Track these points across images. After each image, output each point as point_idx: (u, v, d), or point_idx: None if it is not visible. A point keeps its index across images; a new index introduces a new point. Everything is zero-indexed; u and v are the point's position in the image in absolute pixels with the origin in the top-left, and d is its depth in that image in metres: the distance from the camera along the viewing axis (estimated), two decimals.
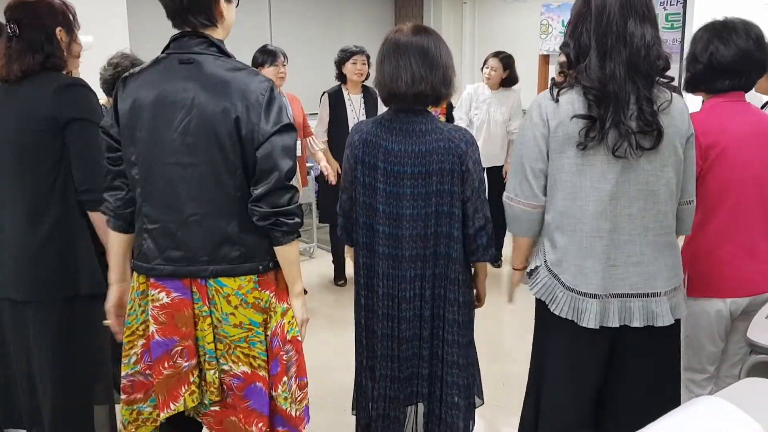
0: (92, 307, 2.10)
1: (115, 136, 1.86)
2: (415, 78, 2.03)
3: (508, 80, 4.92)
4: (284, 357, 1.88)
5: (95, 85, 3.33)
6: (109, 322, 2.00)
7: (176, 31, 1.83)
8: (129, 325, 1.91)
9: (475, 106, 4.98)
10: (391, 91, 2.08)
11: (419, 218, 2.09)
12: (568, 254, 1.83)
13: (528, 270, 1.98)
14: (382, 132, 2.10)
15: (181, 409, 1.85)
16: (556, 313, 1.85)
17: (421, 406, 2.29)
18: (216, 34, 1.83)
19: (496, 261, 5.34)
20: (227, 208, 1.78)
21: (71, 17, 2.13)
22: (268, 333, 1.86)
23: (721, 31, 2.08)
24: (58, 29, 2.06)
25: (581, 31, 1.78)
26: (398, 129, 2.09)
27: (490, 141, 4.94)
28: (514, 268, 2.10)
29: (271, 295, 1.85)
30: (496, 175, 4.92)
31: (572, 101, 1.77)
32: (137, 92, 1.80)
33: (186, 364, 1.83)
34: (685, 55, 2.23)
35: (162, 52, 1.85)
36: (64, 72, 2.11)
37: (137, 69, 1.88)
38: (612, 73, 1.72)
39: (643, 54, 1.73)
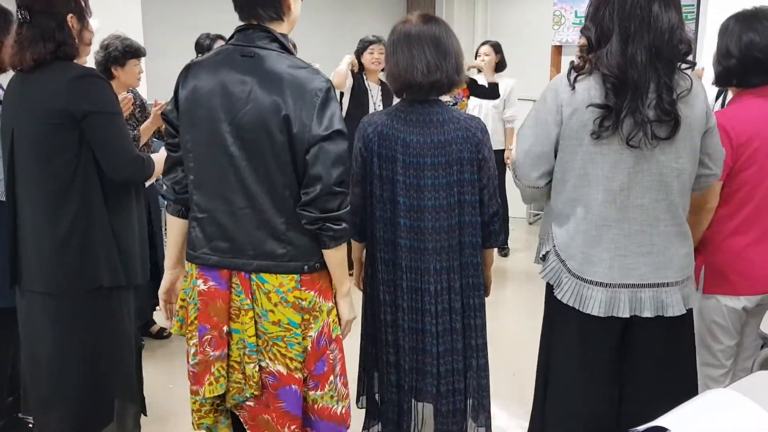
0: (113, 299, 2.13)
1: (175, 122, 1.88)
2: (431, 67, 2.03)
3: (500, 64, 5.18)
4: (330, 356, 1.88)
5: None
6: (162, 310, 2.03)
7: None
8: (189, 315, 1.92)
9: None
10: (406, 82, 2.07)
11: (442, 209, 2.09)
12: (575, 241, 1.83)
13: (540, 255, 1.99)
14: (399, 124, 2.09)
15: (200, 397, 1.86)
16: (559, 297, 1.86)
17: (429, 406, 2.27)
18: (281, 28, 1.83)
19: (503, 249, 5.50)
20: (276, 204, 1.78)
21: (83, 4, 2.10)
22: (312, 333, 1.84)
23: (753, 21, 2.01)
24: (69, 16, 2.04)
25: (603, 14, 1.74)
26: (415, 120, 2.08)
27: (487, 126, 5.00)
28: (540, 259, 2.08)
29: (315, 294, 1.84)
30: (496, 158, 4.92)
31: (589, 88, 1.74)
32: (197, 80, 1.81)
33: (213, 353, 1.84)
34: (702, 47, 2.19)
35: (226, 42, 1.86)
36: (77, 60, 2.10)
37: (201, 57, 1.90)
38: (633, 58, 1.69)
39: (666, 38, 1.69)
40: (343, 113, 4.52)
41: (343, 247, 1.86)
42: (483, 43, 5.32)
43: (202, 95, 1.79)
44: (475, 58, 5.20)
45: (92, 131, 2.01)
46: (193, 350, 1.91)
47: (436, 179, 2.08)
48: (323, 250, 1.83)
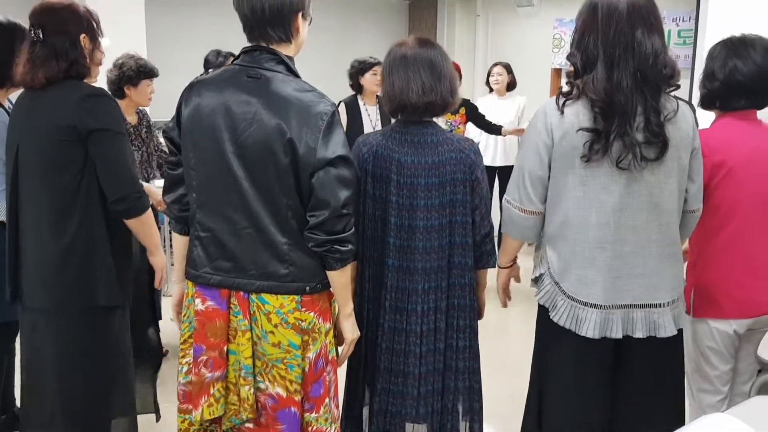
0: (110, 317, 2.13)
1: (176, 140, 1.88)
2: (426, 88, 2.06)
3: (512, 84, 5.55)
4: (327, 378, 1.88)
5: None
6: (175, 320, 2.04)
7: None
8: (182, 333, 1.92)
9: (483, 112, 5.44)
10: (401, 103, 2.10)
11: (433, 229, 2.10)
12: (570, 263, 1.84)
13: (534, 277, 2.00)
14: (394, 144, 2.11)
15: (199, 419, 1.85)
16: (555, 320, 1.87)
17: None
18: (288, 50, 1.83)
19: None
20: (279, 225, 1.78)
21: (95, 24, 2.13)
22: (310, 355, 1.84)
23: (739, 47, 2.07)
24: (82, 35, 2.06)
25: (588, 41, 1.78)
26: (410, 141, 2.11)
27: (502, 141, 5.42)
28: (500, 266, 2.14)
29: (315, 316, 1.84)
30: (508, 173, 4.99)
31: (578, 113, 1.77)
32: (201, 98, 1.81)
33: (209, 374, 1.83)
34: (699, 71, 2.23)
35: (232, 62, 1.86)
36: (87, 80, 2.11)
37: (205, 76, 1.90)
38: (619, 83, 1.73)
39: (651, 62, 1.73)
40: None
41: (348, 268, 1.86)
42: (495, 64, 5.61)
43: (206, 114, 1.79)
44: (488, 78, 5.58)
45: (96, 147, 2.02)
46: (185, 369, 1.90)
47: (429, 200, 2.09)
48: (328, 272, 1.83)
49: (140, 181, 2.15)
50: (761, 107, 2.14)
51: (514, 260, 2.16)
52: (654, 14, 1.77)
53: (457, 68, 4.50)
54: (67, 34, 2.04)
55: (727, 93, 2.08)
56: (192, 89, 1.86)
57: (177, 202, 1.94)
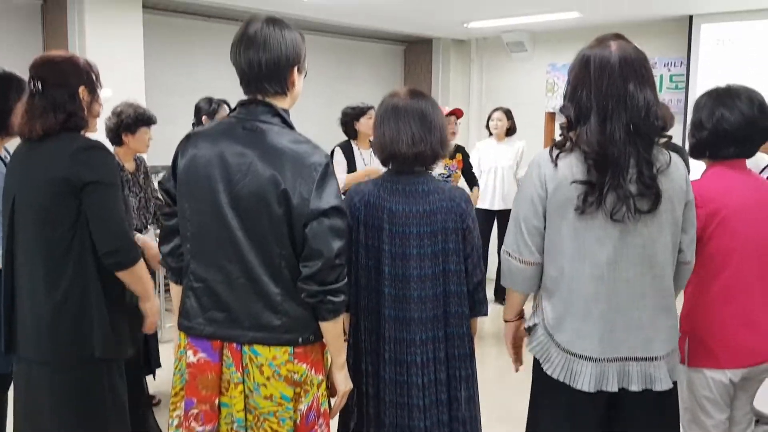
0: (106, 370, 2.11)
1: (172, 191, 1.90)
2: (415, 139, 2.09)
3: (511, 129, 5.71)
4: (318, 431, 1.86)
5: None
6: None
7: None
8: (174, 385, 1.90)
9: (483, 156, 5.69)
10: (391, 152, 2.13)
11: (427, 278, 2.10)
12: (564, 316, 1.84)
13: (526, 327, 1.99)
14: (385, 193, 2.13)
15: None
16: (549, 373, 1.85)
17: None
18: (283, 103, 1.86)
19: (503, 300, 5.53)
20: (273, 275, 1.78)
21: (94, 77, 2.15)
22: (302, 407, 1.82)
23: (724, 97, 2.11)
24: (81, 88, 2.08)
25: (581, 94, 1.79)
26: (401, 190, 2.13)
27: (501, 185, 5.56)
28: (505, 320, 2.11)
29: (308, 367, 1.82)
30: (507, 217, 5.01)
31: (571, 165, 1.78)
32: (197, 150, 1.83)
33: (200, 428, 1.81)
34: (689, 120, 2.26)
35: (228, 115, 1.90)
36: (84, 132, 2.13)
37: (201, 128, 1.93)
38: (612, 135, 1.74)
39: (643, 115, 1.75)
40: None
41: (341, 319, 1.85)
42: (496, 109, 5.77)
43: (201, 165, 1.81)
44: (488, 123, 5.74)
45: (89, 199, 2.02)
46: (176, 422, 1.88)
47: (422, 248, 2.10)
48: (321, 323, 1.82)
49: (134, 233, 2.15)
50: (749, 155, 2.17)
51: (521, 314, 2.10)
52: (645, 67, 1.79)
53: (460, 113, 4.59)
54: (66, 86, 2.05)
55: (716, 142, 2.11)
56: (188, 141, 1.88)
57: (172, 254, 1.95)
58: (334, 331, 1.85)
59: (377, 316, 2.14)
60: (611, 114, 1.75)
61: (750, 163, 2.18)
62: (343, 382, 1.92)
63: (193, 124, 4.25)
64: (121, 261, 2.05)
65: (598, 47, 1.81)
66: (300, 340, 1.80)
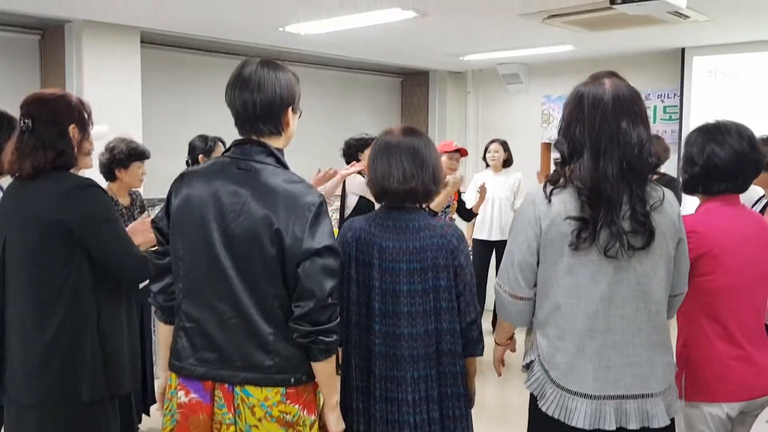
0: (94, 412, 2.08)
1: (165, 230, 1.91)
2: (407, 175, 2.09)
3: (508, 161, 5.76)
4: None
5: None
6: (158, 410, 2.00)
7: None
8: (164, 426, 1.88)
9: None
10: (383, 188, 2.14)
11: (417, 315, 2.08)
12: (559, 352, 1.83)
13: (525, 363, 1.98)
14: (376, 229, 2.13)
15: None
16: (544, 409, 1.84)
17: None
18: (277, 143, 1.88)
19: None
20: (265, 315, 1.77)
21: (86, 115, 2.15)
22: None
23: (714, 133, 2.12)
24: (71, 126, 2.08)
25: (575, 130, 1.81)
26: (392, 226, 2.12)
27: (499, 216, 5.61)
28: (496, 342, 2.15)
29: (300, 408, 1.81)
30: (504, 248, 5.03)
31: (565, 201, 1.79)
32: (191, 189, 1.84)
33: None
34: (681, 154, 2.28)
35: (223, 154, 1.92)
36: (78, 169, 2.14)
37: (195, 167, 1.95)
38: (605, 172, 1.75)
39: (636, 152, 1.76)
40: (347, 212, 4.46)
41: (333, 359, 1.84)
42: (493, 141, 5.81)
43: (195, 204, 1.82)
44: (485, 154, 5.80)
45: (92, 241, 2.03)
46: None
47: (412, 285, 2.08)
48: (313, 363, 1.81)
49: (141, 252, 2.18)
50: (742, 191, 2.18)
51: (511, 337, 2.16)
52: (638, 105, 1.81)
53: (465, 152, 4.64)
54: (56, 124, 2.06)
55: (708, 177, 2.12)
56: (182, 180, 1.89)
57: (163, 292, 1.95)
58: (327, 371, 1.84)
59: (367, 352, 2.12)
60: (604, 151, 1.76)
61: (743, 196, 2.20)
62: (335, 423, 1.90)
63: (187, 162, 4.25)
64: (143, 279, 2.18)
65: (592, 84, 1.83)
66: (292, 380, 1.79)
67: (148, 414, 3.58)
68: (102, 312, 2.07)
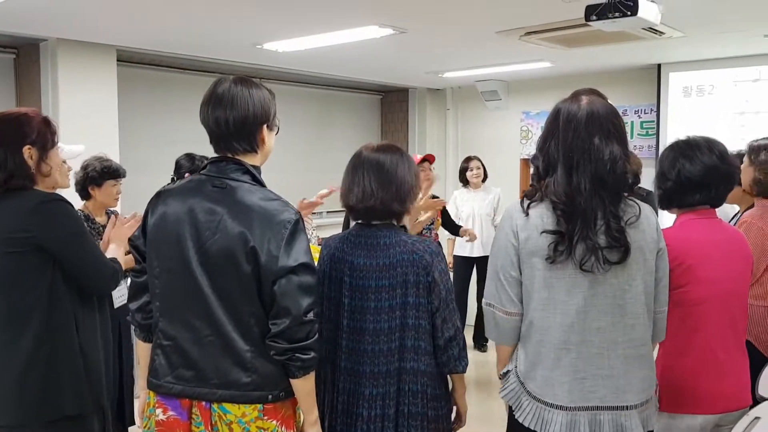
0: (77, 427, 2.05)
1: (141, 248, 1.90)
2: (366, 193, 2.07)
3: (485, 176, 5.87)
4: None
5: None
6: (139, 428, 1.98)
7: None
8: None
9: (460, 206, 5.80)
10: (345, 204, 2.14)
11: (381, 332, 2.05)
12: (536, 364, 1.83)
13: (501, 373, 1.97)
14: (347, 247, 2.12)
15: None
16: (520, 420, 1.84)
17: None
18: (253, 160, 1.87)
19: (482, 346, 5.96)
20: (242, 332, 1.77)
21: (48, 135, 2.11)
22: None
23: (685, 149, 2.15)
24: (26, 147, 2.05)
25: (549, 145, 1.84)
26: (363, 243, 2.11)
27: (480, 232, 5.58)
28: (499, 377, 2.05)
29: (278, 424, 1.80)
30: (486, 264, 5.03)
31: (542, 215, 1.81)
32: (167, 207, 1.84)
33: None
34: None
35: (198, 172, 1.91)
36: (57, 187, 2.12)
37: (171, 185, 1.94)
38: (578, 187, 1.77)
39: (608, 168, 1.77)
40: None
41: (311, 376, 1.83)
42: (472, 158, 5.89)
43: (171, 222, 1.81)
44: (464, 173, 5.86)
45: (63, 256, 2.01)
46: None
47: (379, 302, 2.06)
48: (291, 380, 1.80)
49: (111, 263, 2.19)
50: (717, 204, 2.19)
51: None
52: (613, 122, 1.82)
53: (432, 158, 4.54)
54: (7, 146, 2.03)
55: (680, 190, 2.15)
56: (158, 199, 1.88)
57: (141, 310, 1.94)
58: (306, 388, 1.83)
59: (333, 367, 2.12)
60: (576, 166, 1.79)
61: (719, 212, 2.20)
62: None
63: (173, 179, 4.20)
64: (114, 285, 2.17)
65: (570, 101, 1.86)
66: (270, 397, 1.78)
67: None
68: (79, 325, 2.05)
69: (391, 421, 2.05)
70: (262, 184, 1.86)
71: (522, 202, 1.86)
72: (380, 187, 2.06)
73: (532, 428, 1.82)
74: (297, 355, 1.75)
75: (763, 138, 2.78)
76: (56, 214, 2.02)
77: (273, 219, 1.76)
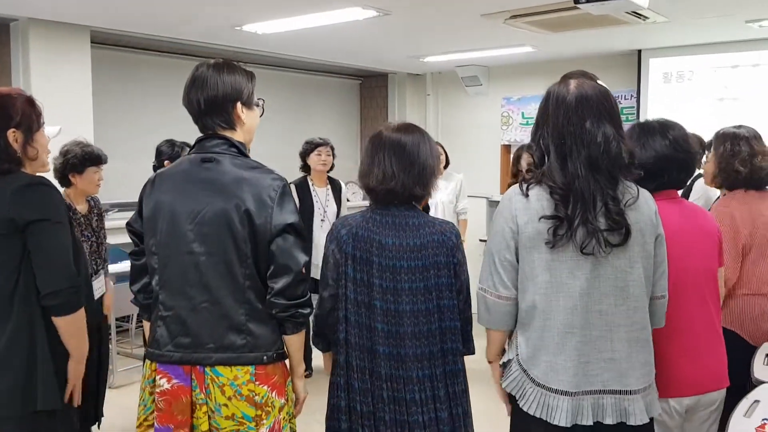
0: (51, 423, 1.98)
1: (138, 230, 1.99)
2: (387, 175, 2.03)
3: (447, 162, 5.36)
4: None
5: None
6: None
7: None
8: (139, 416, 1.94)
9: None
10: (365, 185, 2.10)
11: (420, 314, 2.02)
12: (539, 350, 1.80)
13: (501, 362, 1.95)
14: (374, 226, 2.06)
15: None
16: (525, 408, 1.81)
17: None
18: (236, 136, 1.96)
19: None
20: (236, 296, 1.86)
21: (33, 117, 2.03)
22: (264, 430, 1.85)
23: (640, 135, 2.12)
24: (11, 131, 1.97)
25: (542, 133, 1.83)
26: (391, 223, 2.06)
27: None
28: (489, 361, 2.05)
29: (269, 390, 1.87)
30: None
31: (541, 198, 1.78)
32: (162, 187, 1.94)
33: None
34: None
35: (188, 152, 2.03)
36: (40, 170, 2.04)
37: (165, 168, 2.05)
38: (574, 172, 1.76)
39: (602, 151, 1.75)
40: None
41: (303, 331, 1.95)
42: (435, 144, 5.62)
43: (166, 201, 1.90)
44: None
45: (33, 238, 1.92)
46: None
47: (414, 283, 2.02)
48: (285, 337, 1.91)
49: (78, 277, 2.02)
50: (678, 187, 2.16)
51: (503, 353, 2.02)
52: (603, 104, 1.80)
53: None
54: None
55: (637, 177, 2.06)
56: (154, 181, 1.97)
57: (143, 291, 2.02)
58: (298, 343, 1.95)
59: (370, 353, 2.04)
60: (570, 151, 1.77)
61: (701, 198, 2.16)
62: (303, 389, 2.03)
63: (154, 167, 4.10)
64: (62, 303, 1.92)
65: (559, 85, 1.85)
66: (264, 358, 1.87)
67: (98, 426, 3.42)
68: (51, 323, 1.95)
69: (443, 403, 2.05)
70: (246, 156, 1.96)
71: (521, 185, 1.84)
72: (401, 170, 2.03)
73: (538, 416, 1.79)
74: (299, 311, 1.86)
75: (733, 126, 2.70)
76: (38, 198, 1.94)
77: (262, 183, 1.87)
